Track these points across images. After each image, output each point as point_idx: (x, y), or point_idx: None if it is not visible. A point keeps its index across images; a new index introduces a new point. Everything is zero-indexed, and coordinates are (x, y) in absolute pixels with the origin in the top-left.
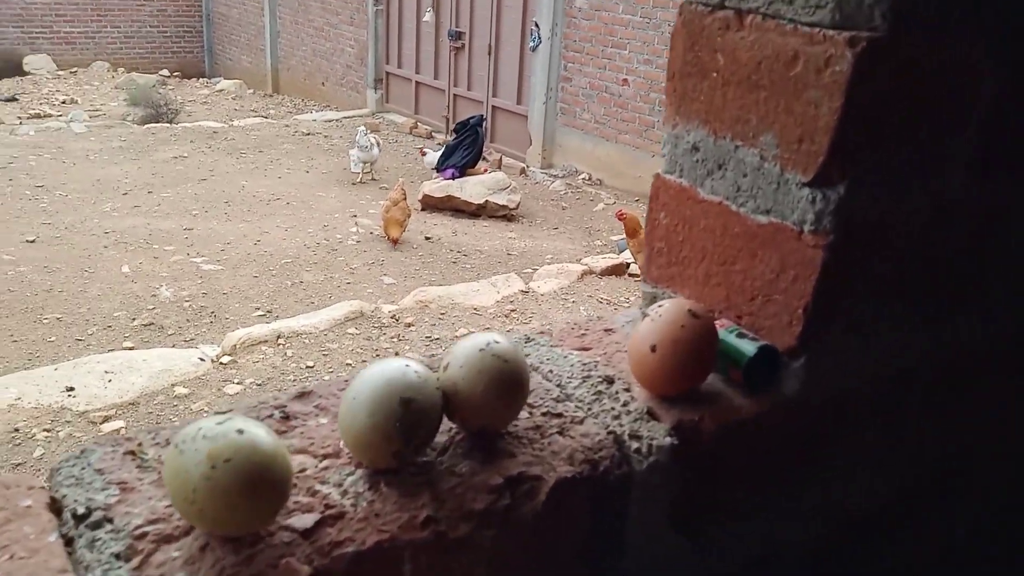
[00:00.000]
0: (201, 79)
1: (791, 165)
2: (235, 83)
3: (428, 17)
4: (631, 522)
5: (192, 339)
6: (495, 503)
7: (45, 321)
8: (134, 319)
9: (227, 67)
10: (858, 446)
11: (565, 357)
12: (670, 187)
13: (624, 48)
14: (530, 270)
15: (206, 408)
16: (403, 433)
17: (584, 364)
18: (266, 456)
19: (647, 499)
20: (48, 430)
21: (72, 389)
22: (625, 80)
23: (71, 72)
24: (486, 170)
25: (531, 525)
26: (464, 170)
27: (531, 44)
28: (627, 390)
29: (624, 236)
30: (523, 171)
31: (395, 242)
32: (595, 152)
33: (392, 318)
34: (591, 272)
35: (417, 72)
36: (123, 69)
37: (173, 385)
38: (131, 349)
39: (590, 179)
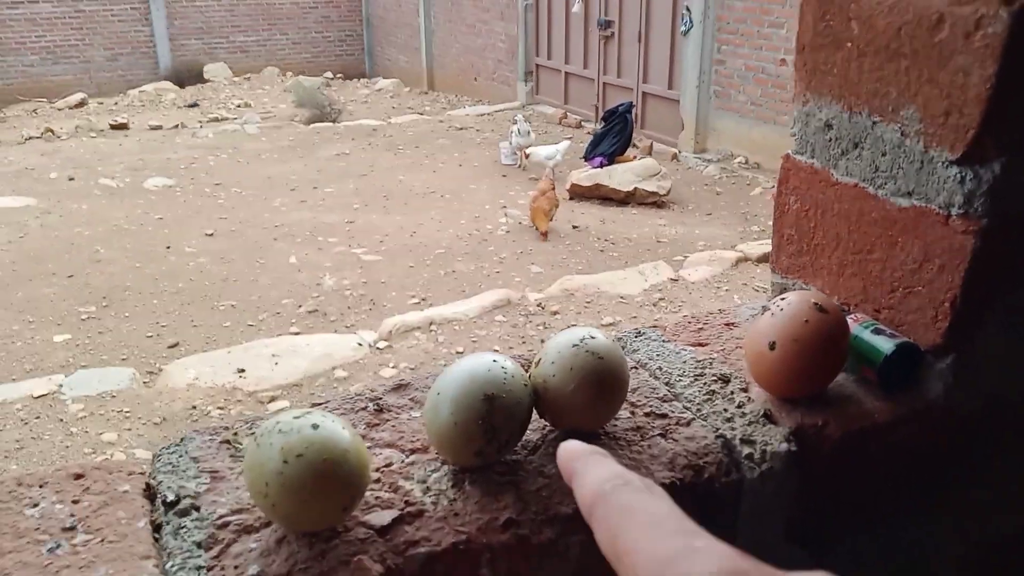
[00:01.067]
0: (362, 79)
1: (936, 141)
2: (393, 82)
3: (577, 8)
4: (740, 533)
5: (352, 325)
6: None
7: (221, 308)
8: (300, 306)
9: (385, 67)
10: (1014, 462)
11: (678, 353)
12: (801, 169)
13: (781, 27)
14: (680, 258)
15: (363, 390)
16: (486, 431)
17: (698, 361)
18: (340, 452)
19: (759, 509)
20: (221, 408)
21: (243, 371)
22: (783, 60)
23: (245, 78)
24: (635, 157)
25: None
26: (613, 158)
27: (682, 28)
28: (744, 390)
29: None
30: (675, 157)
31: (544, 235)
32: (751, 135)
33: (538, 306)
34: (746, 259)
35: (566, 63)
36: (291, 73)
37: (333, 368)
38: (297, 334)
39: (746, 163)
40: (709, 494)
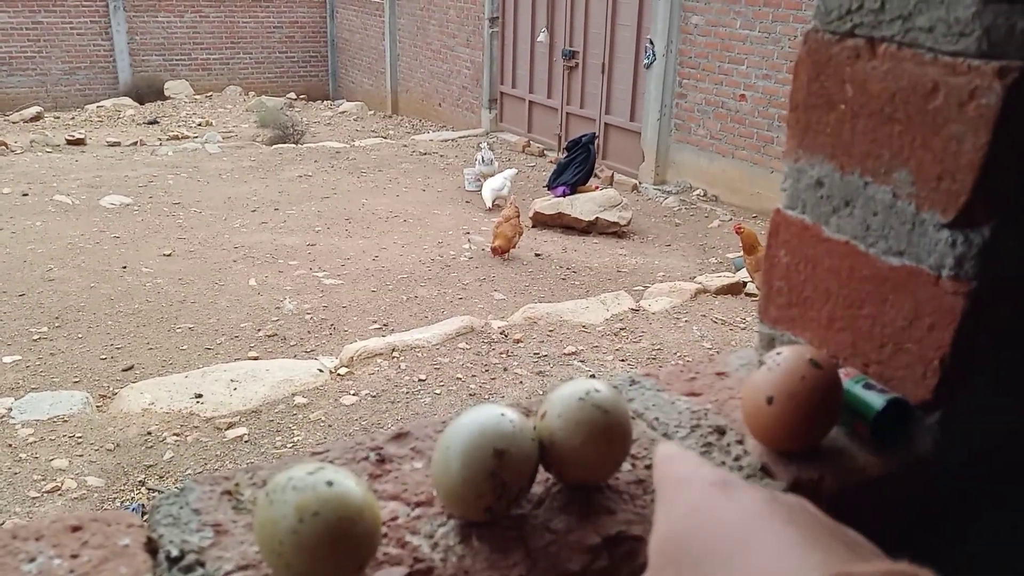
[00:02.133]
0: (325, 101)
1: (928, 204)
2: (357, 105)
3: (543, 37)
4: None
5: (312, 350)
6: (591, 564)
7: (178, 330)
8: (259, 330)
9: (349, 90)
10: (1011, 512)
11: (672, 403)
12: (792, 224)
13: (742, 63)
14: (641, 287)
15: (323, 417)
16: (496, 486)
17: (693, 412)
18: (355, 510)
19: None
20: (178, 434)
21: (200, 396)
22: (743, 95)
23: (207, 96)
24: (597, 187)
25: None
26: (575, 188)
27: (645, 61)
28: (740, 442)
29: (741, 253)
30: (635, 187)
31: (494, 252)
32: (710, 168)
33: (501, 334)
34: (705, 291)
35: (531, 91)
36: (254, 93)
37: (293, 394)
38: (255, 359)
39: (705, 195)
40: None
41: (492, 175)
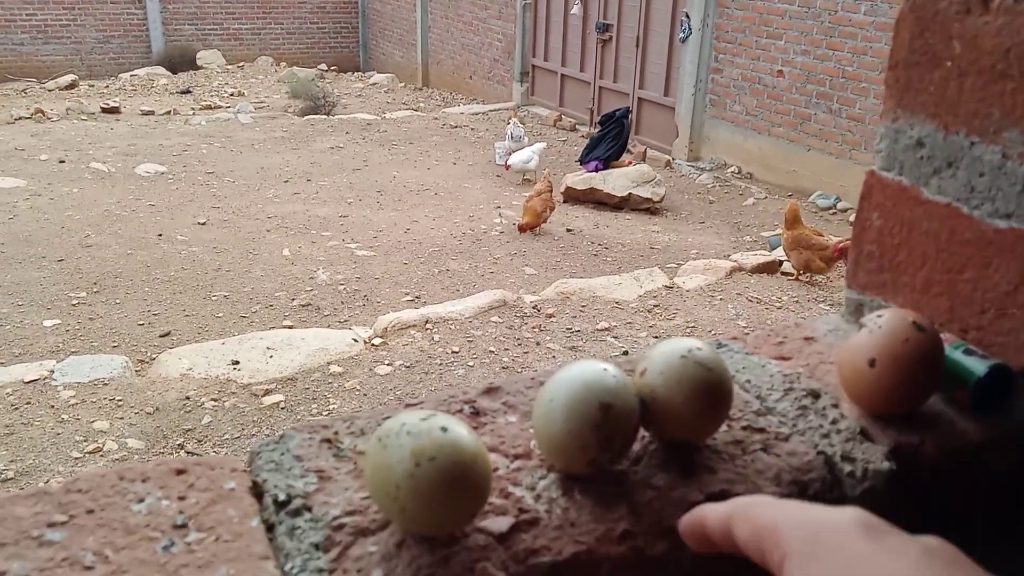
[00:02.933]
0: (356, 73)
1: None
2: (387, 77)
3: (576, 10)
4: None
5: (346, 320)
6: None
7: (214, 298)
8: (293, 299)
9: (380, 61)
10: None
11: (763, 366)
12: (887, 186)
13: (779, 39)
14: (674, 265)
15: (358, 386)
16: (601, 440)
17: (785, 375)
18: (469, 456)
19: None
20: (215, 400)
21: (237, 363)
22: (780, 71)
23: (239, 66)
24: (630, 163)
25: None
26: (608, 163)
27: (680, 35)
28: (835, 406)
29: (777, 231)
30: (668, 164)
31: (520, 229)
32: (745, 145)
33: (534, 308)
34: (740, 269)
35: (563, 65)
36: (285, 63)
37: (328, 363)
38: (290, 328)
39: (739, 172)
40: None
41: (521, 150)
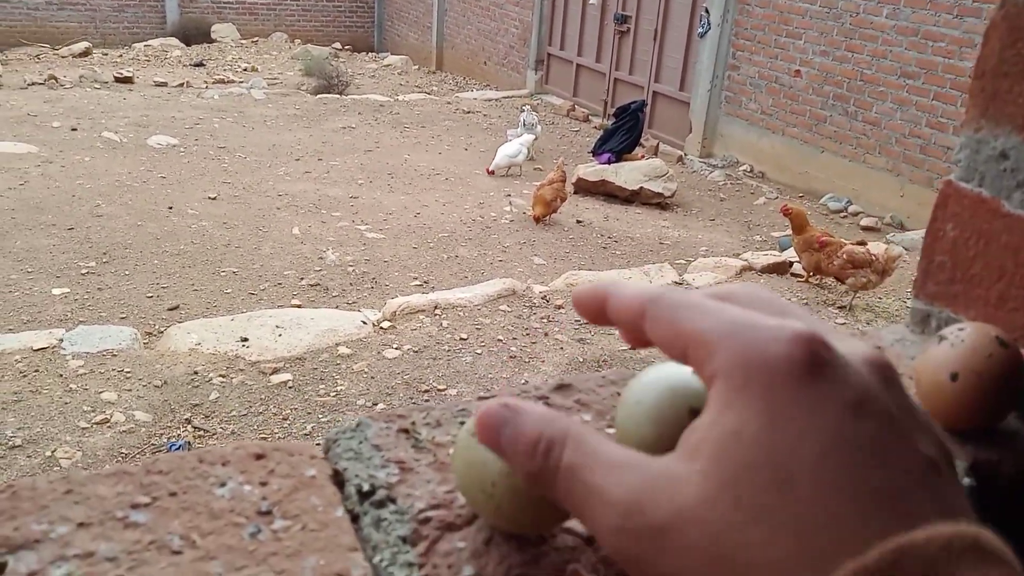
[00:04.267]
0: (370, 53)
1: None
2: (401, 59)
3: (595, 0)
4: None
5: (354, 302)
6: None
7: (223, 274)
8: (302, 279)
9: (394, 43)
10: None
11: None
12: (965, 196)
13: (799, 38)
14: (683, 261)
15: (366, 369)
16: None
17: None
18: None
19: None
20: (223, 376)
21: (246, 340)
22: (798, 71)
23: (252, 41)
24: (643, 156)
25: None
26: (621, 155)
27: (699, 30)
28: None
29: (788, 232)
30: (680, 159)
31: (536, 220)
32: (759, 144)
33: (543, 298)
34: (750, 268)
35: (579, 55)
36: (299, 40)
37: (337, 344)
38: (299, 307)
39: (751, 171)
40: None
41: (535, 139)
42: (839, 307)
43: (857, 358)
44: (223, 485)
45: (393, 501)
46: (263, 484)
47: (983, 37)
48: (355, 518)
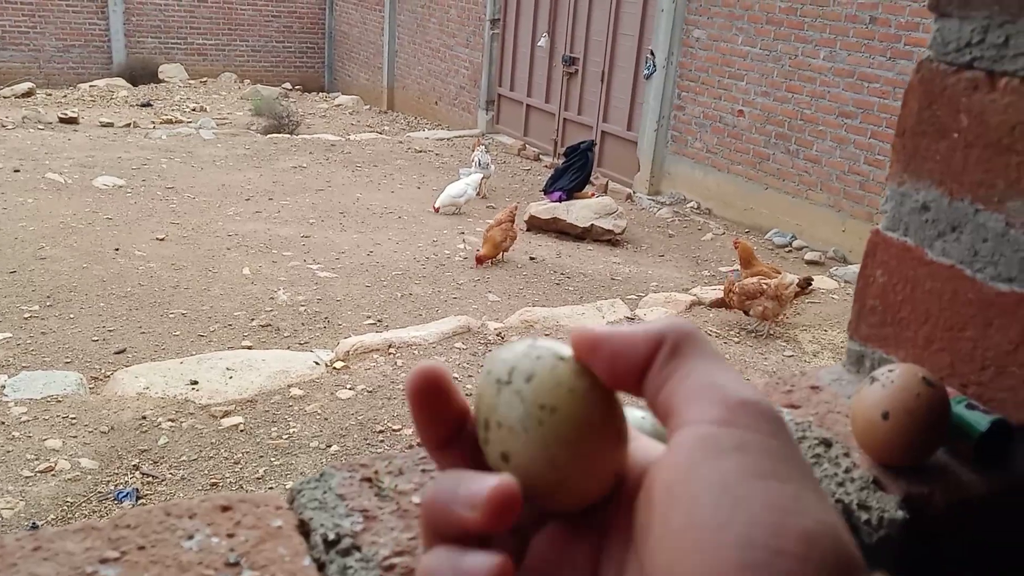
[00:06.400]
0: (321, 93)
1: None
2: (352, 99)
3: (543, 42)
4: None
5: (306, 342)
6: None
7: (171, 316)
8: (253, 319)
9: (345, 83)
10: None
11: None
12: (891, 245)
13: (741, 79)
14: (634, 296)
15: (319, 410)
16: None
17: (796, 423)
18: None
19: None
20: (172, 420)
21: (196, 383)
22: (741, 111)
23: (201, 81)
24: (593, 194)
25: None
26: (571, 193)
27: (645, 72)
28: (847, 455)
29: (736, 267)
30: (629, 197)
31: (479, 260)
32: (705, 181)
33: (498, 335)
34: (699, 303)
35: (528, 95)
36: (249, 81)
37: (289, 386)
38: (249, 348)
39: (698, 208)
40: None
41: (488, 178)
42: (786, 340)
43: None
44: (191, 538)
45: (358, 549)
46: (230, 536)
47: (903, 99)
48: (321, 567)
